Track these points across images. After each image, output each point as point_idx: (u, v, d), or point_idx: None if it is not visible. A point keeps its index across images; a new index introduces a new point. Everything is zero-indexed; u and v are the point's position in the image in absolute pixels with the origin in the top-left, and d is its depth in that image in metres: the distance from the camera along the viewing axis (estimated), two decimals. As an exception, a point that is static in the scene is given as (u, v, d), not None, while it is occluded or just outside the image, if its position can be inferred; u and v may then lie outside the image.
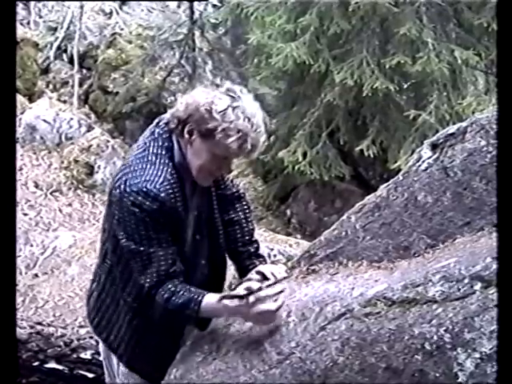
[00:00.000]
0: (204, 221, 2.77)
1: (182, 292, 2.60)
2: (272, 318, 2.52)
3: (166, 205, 2.56)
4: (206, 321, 2.72)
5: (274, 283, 2.59)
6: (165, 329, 2.77)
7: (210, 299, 2.58)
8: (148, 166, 2.60)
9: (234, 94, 2.56)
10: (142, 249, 2.58)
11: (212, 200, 2.80)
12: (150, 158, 2.62)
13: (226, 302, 2.54)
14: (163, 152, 2.63)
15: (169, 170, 2.60)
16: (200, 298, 2.58)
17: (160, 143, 2.65)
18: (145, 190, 2.54)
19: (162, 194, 2.55)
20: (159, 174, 2.58)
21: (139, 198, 2.54)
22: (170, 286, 2.60)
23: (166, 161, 2.62)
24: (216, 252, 2.86)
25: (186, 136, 2.60)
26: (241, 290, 2.54)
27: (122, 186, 2.58)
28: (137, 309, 2.75)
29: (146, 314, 2.72)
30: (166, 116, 2.70)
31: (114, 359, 2.93)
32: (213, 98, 2.55)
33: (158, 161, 2.61)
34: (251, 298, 2.49)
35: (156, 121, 2.75)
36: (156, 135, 2.68)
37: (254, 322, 2.57)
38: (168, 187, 2.57)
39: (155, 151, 2.63)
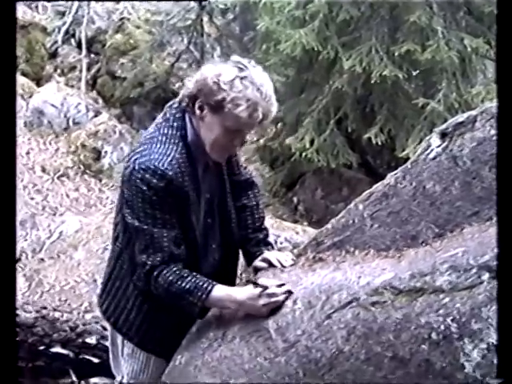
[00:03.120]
0: (216, 205, 2.77)
1: (189, 278, 2.60)
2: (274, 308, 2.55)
3: (173, 183, 2.56)
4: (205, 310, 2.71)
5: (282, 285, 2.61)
6: (177, 310, 2.75)
7: (218, 290, 2.60)
8: (158, 145, 2.60)
9: (242, 65, 2.56)
10: (145, 227, 2.58)
11: (225, 184, 2.79)
12: (160, 138, 2.63)
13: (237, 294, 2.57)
14: (174, 132, 2.64)
15: (178, 148, 2.61)
16: (210, 288, 2.59)
17: (171, 123, 2.66)
18: (153, 167, 2.55)
19: (170, 172, 2.55)
20: (168, 152, 2.59)
21: (147, 175, 2.54)
22: (174, 268, 2.61)
23: (176, 140, 2.62)
24: (228, 237, 2.85)
25: (198, 112, 2.60)
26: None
27: (132, 165, 2.59)
28: (147, 292, 2.74)
29: (144, 289, 2.72)
30: (179, 97, 2.69)
31: (119, 341, 2.94)
32: (220, 70, 2.56)
33: (167, 140, 2.62)
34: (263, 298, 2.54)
35: (169, 104, 2.76)
36: (168, 115, 2.69)
37: (259, 314, 2.58)
38: (176, 165, 2.57)
39: (165, 131, 2.64)
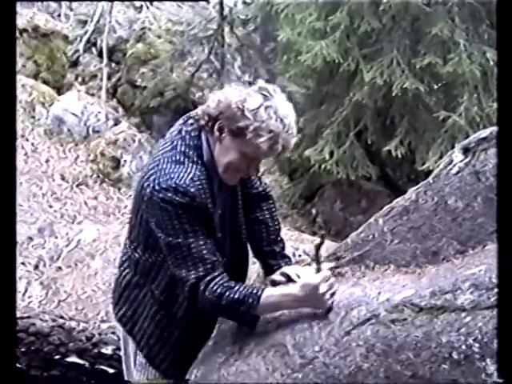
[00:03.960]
0: (228, 220, 2.74)
1: (236, 287, 2.54)
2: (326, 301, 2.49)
3: (196, 200, 2.53)
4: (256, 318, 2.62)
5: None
6: (190, 326, 2.73)
7: (268, 293, 2.53)
8: (177, 166, 2.56)
9: (267, 93, 2.52)
10: (179, 240, 2.53)
11: (237, 199, 2.76)
12: (178, 158, 2.59)
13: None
14: (191, 151, 2.60)
15: (198, 167, 2.57)
16: (260, 293, 2.52)
17: (188, 142, 2.62)
18: (174, 186, 2.51)
19: (192, 190, 2.52)
20: (189, 170, 2.55)
21: (169, 194, 2.51)
22: (220, 279, 2.55)
23: (195, 159, 2.59)
24: (238, 250, 2.82)
25: (216, 133, 2.56)
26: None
27: (151, 185, 2.55)
28: (163, 302, 2.73)
29: (171, 309, 2.70)
30: (195, 112, 2.66)
31: (131, 350, 2.92)
32: (245, 95, 2.51)
33: (186, 159, 2.58)
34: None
35: (184, 118, 2.71)
36: (184, 133, 2.64)
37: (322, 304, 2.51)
38: (198, 183, 2.54)
39: (183, 149, 2.60)
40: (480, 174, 2.63)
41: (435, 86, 7.50)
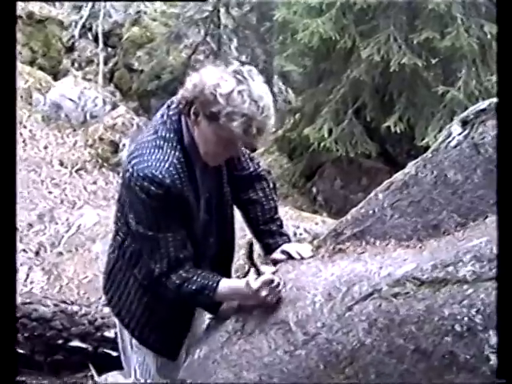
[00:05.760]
0: (214, 201, 2.75)
1: (194, 278, 2.61)
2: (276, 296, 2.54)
3: (172, 190, 2.55)
4: (217, 305, 2.71)
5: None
6: (176, 306, 2.77)
7: (223, 284, 2.60)
8: (156, 151, 2.58)
9: (241, 77, 2.49)
10: (150, 233, 2.59)
11: (222, 181, 2.77)
12: (157, 143, 2.60)
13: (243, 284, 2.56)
14: (171, 135, 2.61)
15: (176, 153, 2.58)
16: (215, 285, 2.60)
17: (168, 126, 2.63)
18: (150, 175, 2.53)
19: (168, 181, 2.53)
20: (166, 158, 2.57)
21: (145, 183, 2.53)
22: (181, 272, 2.62)
23: (174, 144, 2.60)
24: (224, 231, 2.85)
25: (193, 117, 2.57)
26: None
27: (130, 170, 2.57)
28: (147, 286, 2.76)
29: (156, 292, 2.73)
30: (177, 97, 2.65)
31: (127, 334, 2.94)
32: (219, 80, 2.49)
33: (165, 144, 2.60)
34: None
35: (168, 103, 2.73)
36: (165, 118, 2.66)
37: (258, 304, 2.57)
38: (174, 172, 2.55)
39: (163, 134, 2.62)
40: (479, 146, 2.60)
41: (433, 61, 7.48)
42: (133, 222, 2.61)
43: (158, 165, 2.54)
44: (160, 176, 2.53)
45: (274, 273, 2.62)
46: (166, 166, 2.55)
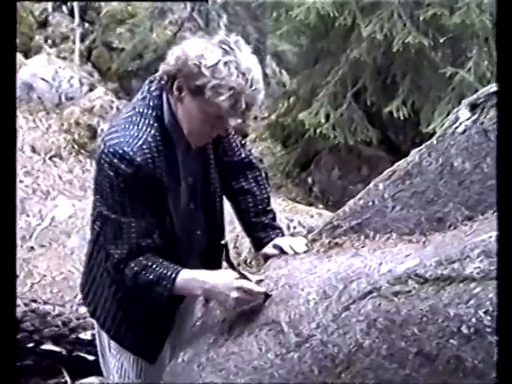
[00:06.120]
0: (200, 189, 2.74)
1: (153, 266, 2.62)
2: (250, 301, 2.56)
3: (143, 169, 2.55)
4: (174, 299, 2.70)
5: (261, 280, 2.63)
6: (151, 303, 2.76)
7: (183, 275, 2.59)
8: (130, 127, 2.59)
9: (228, 47, 2.49)
10: (113, 216, 2.60)
11: (209, 166, 2.77)
12: (134, 119, 2.61)
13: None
14: (149, 111, 2.62)
15: (152, 131, 2.58)
16: (174, 275, 2.59)
17: (147, 102, 2.63)
18: (121, 152, 2.53)
19: (139, 158, 2.53)
20: (139, 135, 2.57)
21: (115, 160, 2.53)
22: (141, 259, 2.62)
23: (151, 121, 2.60)
24: (213, 223, 2.86)
25: (176, 93, 2.57)
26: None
27: (102, 146, 2.59)
28: (120, 282, 2.75)
29: (121, 282, 2.74)
30: (158, 72, 2.65)
31: (105, 336, 2.97)
32: (203, 51, 2.49)
33: (141, 121, 2.60)
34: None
35: (150, 78, 2.73)
36: (145, 93, 2.66)
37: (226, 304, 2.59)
38: (147, 150, 2.55)
39: (141, 110, 2.62)
40: (489, 132, 2.62)
41: (441, 40, 7.48)
42: (98, 203, 2.63)
43: (130, 141, 2.54)
44: (131, 153, 2.52)
45: (258, 282, 2.63)
46: (140, 143, 2.55)
